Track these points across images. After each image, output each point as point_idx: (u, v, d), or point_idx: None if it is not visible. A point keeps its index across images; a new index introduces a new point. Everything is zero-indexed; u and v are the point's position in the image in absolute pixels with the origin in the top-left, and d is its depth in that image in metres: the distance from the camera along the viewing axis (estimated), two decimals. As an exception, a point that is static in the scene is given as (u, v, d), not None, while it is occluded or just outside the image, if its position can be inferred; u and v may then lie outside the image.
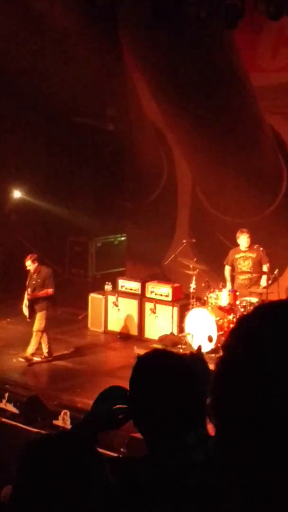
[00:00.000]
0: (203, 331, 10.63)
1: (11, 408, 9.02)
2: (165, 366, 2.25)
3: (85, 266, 15.41)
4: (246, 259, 10.90)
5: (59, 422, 8.66)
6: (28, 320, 10.96)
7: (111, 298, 12.32)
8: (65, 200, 15.37)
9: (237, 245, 11.07)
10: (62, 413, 8.70)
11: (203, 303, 10.97)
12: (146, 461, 2.17)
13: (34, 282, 10.81)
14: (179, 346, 10.87)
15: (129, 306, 12.16)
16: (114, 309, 12.32)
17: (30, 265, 10.83)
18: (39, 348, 10.95)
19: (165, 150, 13.34)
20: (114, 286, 12.47)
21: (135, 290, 12.18)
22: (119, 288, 12.37)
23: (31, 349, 10.84)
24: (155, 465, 2.12)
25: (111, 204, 15.01)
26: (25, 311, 10.89)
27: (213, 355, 10.53)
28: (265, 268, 10.80)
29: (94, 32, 12.34)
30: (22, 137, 14.50)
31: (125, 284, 12.36)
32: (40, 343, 10.93)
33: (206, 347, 10.62)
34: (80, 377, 10.50)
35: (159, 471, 2.10)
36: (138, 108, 13.38)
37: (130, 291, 12.23)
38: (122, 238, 15.20)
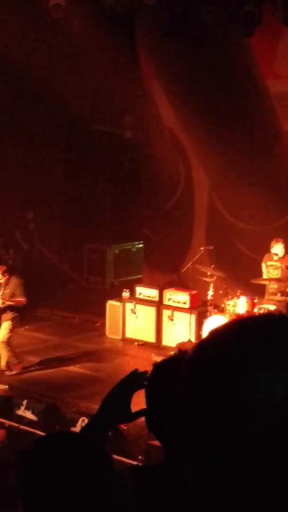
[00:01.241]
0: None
1: (29, 415, 9.05)
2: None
3: (103, 274, 15.45)
4: (276, 268, 10.83)
5: (77, 430, 8.68)
6: None
7: (129, 305, 12.33)
8: (83, 207, 15.44)
9: (258, 252, 11.08)
10: (80, 420, 8.71)
11: (221, 310, 10.96)
12: (162, 468, 2.18)
13: (4, 292, 10.74)
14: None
15: (147, 313, 12.17)
16: (132, 316, 12.33)
17: (0, 278, 10.80)
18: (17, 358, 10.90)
19: (182, 157, 13.36)
20: (132, 293, 12.48)
21: (153, 297, 12.18)
22: (137, 295, 12.38)
23: (3, 361, 10.80)
24: (171, 472, 2.12)
25: (128, 211, 15.04)
26: None
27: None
28: None
29: (112, 40, 12.39)
30: (40, 144, 14.59)
31: (143, 291, 12.36)
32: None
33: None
34: (98, 384, 10.50)
35: (174, 478, 2.11)
36: (155, 115, 13.41)
37: (148, 298, 12.23)
38: (140, 245, 15.22)
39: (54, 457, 1.72)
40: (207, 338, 1.11)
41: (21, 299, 10.73)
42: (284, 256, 10.85)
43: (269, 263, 10.90)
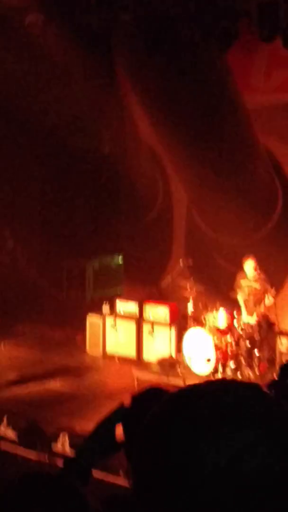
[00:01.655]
0: (201, 352, 10.62)
1: (9, 433, 8.98)
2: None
3: (82, 288, 15.40)
4: (251, 289, 10.76)
5: (58, 446, 8.63)
6: None
7: (109, 321, 12.30)
8: (61, 222, 15.39)
9: (236, 266, 11.09)
10: (60, 437, 8.66)
11: (201, 323, 10.96)
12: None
13: None
14: (177, 367, 10.84)
15: (127, 328, 12.15)
16: (112, 331, 12.30)
17: None
18: None
19: (161, 171, 13.41)
20: (112, 307, 12.45)
21: (133, 312, 12.16)
22: (117, 310, 12.35)
23: None
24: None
25: (107, 225, 15.02)
26: None
27: (212, 377, 10.53)
28: (269, 301, 10.67)
29: (89, 55, 12.41)
30: (15, 159, 14.54)
31: (122, 306, 12.33)
32: None
33: (205, 368, 10.61)
34: (79, 400, 10.46)
35: None
36: (133, 130, 13.46)
37: (128, 314, 12.20)
38: (119, 259, 15.20)
39: (28, 501, 1.67)
40: (158, 410, 1.14)
41: None
42: (256, 275, 10.77)
43: (243, 283, 10.84)
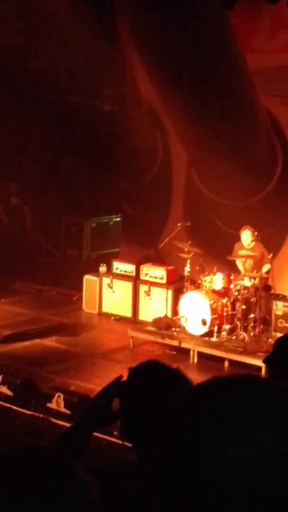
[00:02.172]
0: (197, 314, 10.68)
1: (5, 390, 9.07)
2: (157, 379, 2.26)
3: (79, 247, 15.42)
4: (248, 257, 10.79)
5: (52, 405, 8.73)
6: None
7: (106, 280, 12.34)
8: (60, 180, 15.33)
9: (236, 228, 11.10)
10: (56, 396, 8.76)
11: (198, 286, 11.00)
12: (135, 471, 2.19)
13: None
14: (173, 329, 10.91)
15: (124, 288, 12.19)
16: (108, 291, 12.34)
17: None
18: None
19: (160, 131, 13.29)
20: (109, 268, 12.48)
21: (129, 272, 12.20)
22: (114, 270, 12.38)
23: None
24: (143, 476, 2.14)
25: (106, 184, 14.97)
26: None
27: (207, 338, 10.61)
28: (265, 268, 10.74)
29: (90, 11, 12.23)
30: (15, 116, 14.41)
31: (119, 266, 12.37)
32: None
33: (200, 330, 10.69)
34: (74, 359, 10.55)
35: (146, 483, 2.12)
36: (134, 88, 13.31)
37: (125, 273, 12.24)
38: (117, 219, 15.18)
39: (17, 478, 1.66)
40: (184, 400, 1.13)
41: None
42: (253, 243, 10.80)
43: (240, 251, 10.87)
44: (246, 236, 10.81)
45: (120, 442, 6.89)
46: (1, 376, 9.20)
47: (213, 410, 1.07)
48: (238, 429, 1.04)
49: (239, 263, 10.98)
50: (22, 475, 1.60)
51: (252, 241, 10.82)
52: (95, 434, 7.26)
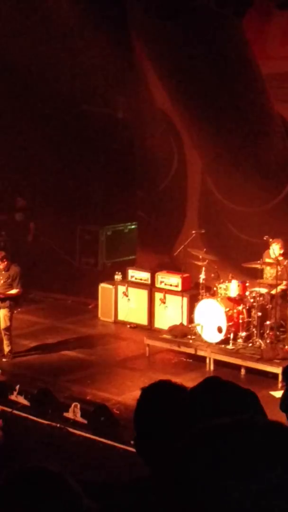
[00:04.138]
0: (212, 321, 10.67)
1: (22, 400, 9.10)
2: (169, 399, 2.27)
3: (95, 255, 15.44)
4: (273, 267, 10.73)
5: (69, 415, 8.74)
6: None
7: (121, 288, 12.36)
8: (75, 188, 15.39)
9: (250, 234, 11.07)
10: (72, 405, 8.77)
11: (213, 293, 10.99)
12: (147, 487, 2.20)
13: (2, 280, 10.72)
14: (189, 336, 10.91)
15: (139, 296, 12.21)
16: (124, 299, 12.37)
17: None
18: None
19: (175, 139, 13.30)
20: (124, 275, 12.50)
21: (145, 280, 12.22)
22: (129, 278, 12.41)
23: (6, 347, 10.79)
24: (158, 493, 2.15)
25: (121, 192, 15.01)
26: None
27: (223, 345, 10.59)
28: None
29: (104, 20, 12.30)
30: (30, 125, 14.50)
31: (135, 274, 12.39)
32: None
33: (216, 337, 10.67)
34: (91, 368, 10.57)
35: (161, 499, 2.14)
36: (148, 96, 13.34)
37: (140, 281, 12.27)
38: (132, 227, 15.20)
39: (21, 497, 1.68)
40: (188, 441, 1.15)
41: (17, 290, 10.76)
42: (281, 256, 10.73)
43: (267, 259, 10.81)
44: (276, 248, 10.73)
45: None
46: (18, 386, 9.24)
47: (217, 450, 1.09)
48: (245, 468, 1.06)
49: (265, 271, 10.92)
50: (26, 501, 1.63)
51: (281, 255, 10.73)
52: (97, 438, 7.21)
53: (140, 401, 2.29)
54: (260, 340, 10.43)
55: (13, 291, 10.74)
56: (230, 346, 10.53)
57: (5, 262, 10.76)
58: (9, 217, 15.17)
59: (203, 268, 11.07)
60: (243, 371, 10.17)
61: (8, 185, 14.76)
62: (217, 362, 10.39)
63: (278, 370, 9.33)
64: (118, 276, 12.54)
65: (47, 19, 12.41)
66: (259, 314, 10.50)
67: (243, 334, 10.59)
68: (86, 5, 12.21)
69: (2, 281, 10.70)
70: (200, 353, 10.60)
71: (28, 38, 12.62)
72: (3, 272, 10.75)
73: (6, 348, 10.75)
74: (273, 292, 10.64)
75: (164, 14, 11.39)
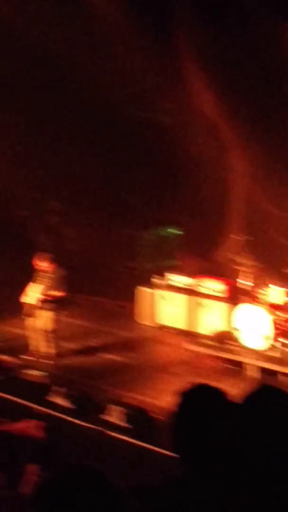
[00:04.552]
0: (254, 328, 10.58)
1: (63, 402, 9.13)
2: (206, 403, 2.29)
3: (136, 258, 15.44)
4: None
5: (109, 417, 8.74)
6: (28, 317, 10.85)
7: (161, 293, 12.33)
8: (117, 192, 15.42)
9: None
10: (112, 408, 8.77)
11: (255, 299, 10.89)
12: (181, 487, 2.22)
13: (48, 282, 10.78)
14: (230, 342, 10.83)
15: (179, 301, 12.16)
16: (164, 303, 12.33)
17: (44, 264, 10.82)
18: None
19: (220, 143, 13.26)
20: (164, 280, 12.47)
21: (185, 284, 12.18)
22: (169, 282, 12.37)
23: (44, 348, 10.84)
24: (193, 490, 2.17)
25: (164, 196, 14.99)
26: (29, 308, 10.78)
27: (264, 352, 10.49)
28: None
29: (149, 23, 12.32)
30: (73, 129, 14.58)
31: (175, 278, 12.35)
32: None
33: (257, 344, 10.58)
34: (130, 371, 10.55)
35: (198, 496, 2.15)
36: (193, 100, 13.31)
37: (180, 285, 12.22)
38: (173, 231, 15.18)
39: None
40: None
41: (60, 293, 10.81)
42: None
43: None
44: None
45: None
46: (59, 388, 9.27)
47: None
48: None
49: None
50: (77, 498, 1.65)
51: None
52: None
53: (178, 404, 2.32)
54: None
55: (57, 293, 10.79)
56: (271, 353, 10.43)
57: (50, 265, 10.84)
58: (45, 221, 15.25)
59: (245, 274, 10.99)
60: (283, 378, 10.07)
61: (44, 189, 14.84)
62: (257, 369, 10.30)
63: None
64: (157, 280, 12.51)
65: (91, 23, 12.47)
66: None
67: (287, 341, 10.47)
68: (130, 8, 12.24)
69: (47, 284, 10.76)
70: (240, 358, 10.52)
71: (72, 43, 12.70)
72: (48, 274, 10.81)
73: (49, 350, 10.80)
74: None
75: (210, 17, 11.38)
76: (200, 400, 2.34)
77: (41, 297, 10.70)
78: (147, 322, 12.53)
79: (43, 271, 10.83)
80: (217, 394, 2.35)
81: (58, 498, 1.68)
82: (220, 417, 2.27)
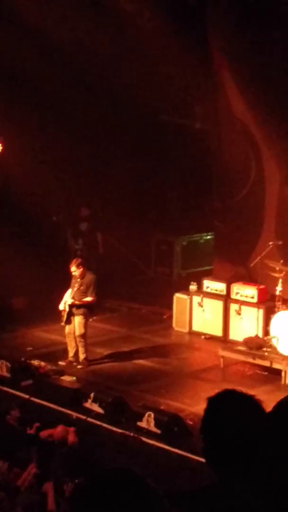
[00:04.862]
0: (290, 334, 10.48)
1: (96, 408, 9.14)
2: (236, 408, 2.27)
3: (170, 265, 15.43)
4: None
5: (143, 424, 8.73)
6: (63, 324, 10.87)
7: (196, 299, 12.29)
8: (152, 198, 15.43)
9: None
10: (146, 414, 8.76)
11: (289, 305, 10.80)
12: (217, 494, 2.20)
13: (77, 287, 10.81)
14: (264, 349, 10.75)
15: (214, 307, 12.11)
16: (199, 310, 12.29)
17: (75, 270, 10.84)
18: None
19: (253, 148, 13.16)
20: (200, 286, 12.43)
21: (220, 291, 12.12)
22: (205, 289, 12.33)
23: (81, 354, 10.86)
24: (231, 498, 2.15)
25: (197, 202, 14.95)
26: (64, 314, 10.78)
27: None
28: None
29: (183, 30, 12.32)
30: (108, 135, 14.63)
31: (210, 284, 12.30)
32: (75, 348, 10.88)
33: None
34: (165, 378, 10.54)
35: (235, 503, 2.13)
36: (226, 106, 13.25)
37: (216, 291, 12.17)
38: (208, 237, 15.13)
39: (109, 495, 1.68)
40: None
41: (91, 298, 10.84)
42: None
43: None
44: None
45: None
46: (93, 393, 9.29)
47: None
48: None
49: None
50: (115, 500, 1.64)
51: None
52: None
53: (207, 411, 2.29)
54: None
55: (88, 299, 10.82)
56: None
57: (81, 269, 10.85)
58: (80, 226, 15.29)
59: (280, 280, 10.91)
60: None
61: (80, 194, 14.90)
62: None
63: None
64: (193, 286, 12.48)
65: (124, 28, 12.52)
66: None
67: None
68: (166, 15, 12.26)
69: (77, 288, 10.80)
70: (276, 366, 10.43)
71: (105, 48, 12.77)
72: (78, 279, 10.84)
73: (81, 356, 10.83)
74: None
75: (244, 22, 11.34)
76: (226, 406, 2.32)
77: (73, 302, 10.73)
78: (183, 329, 12.49)
79: (76, 277, 10.88)
80: (246, 401, 2.32)
81: (99, 502, 1.66)
82: (248, 424, 2.25)
